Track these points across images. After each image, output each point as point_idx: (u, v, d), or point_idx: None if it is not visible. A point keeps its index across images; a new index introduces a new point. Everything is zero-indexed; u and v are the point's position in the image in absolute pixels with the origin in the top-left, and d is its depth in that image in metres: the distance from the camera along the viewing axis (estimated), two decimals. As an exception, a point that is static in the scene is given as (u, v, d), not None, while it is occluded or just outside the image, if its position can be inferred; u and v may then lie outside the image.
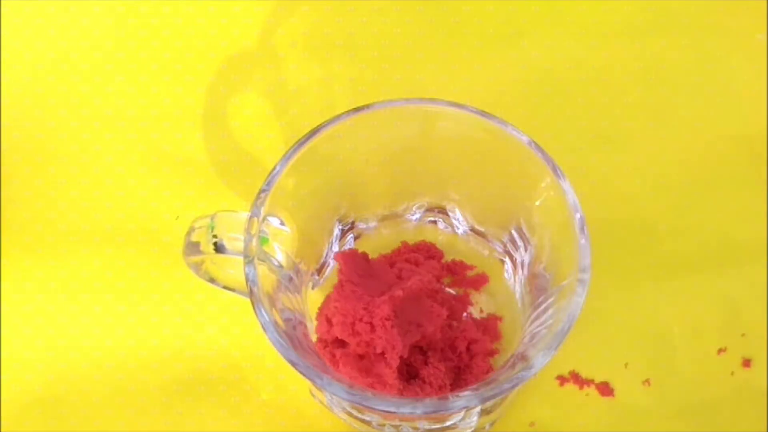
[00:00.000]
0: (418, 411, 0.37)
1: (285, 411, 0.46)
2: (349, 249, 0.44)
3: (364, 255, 0.44)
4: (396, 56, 0.50)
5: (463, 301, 0.44)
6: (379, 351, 0.40)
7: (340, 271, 0.42)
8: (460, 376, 0.42)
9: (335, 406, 0.44)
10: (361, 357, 0.41)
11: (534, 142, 0.40)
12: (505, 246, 0.44)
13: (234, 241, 0.40)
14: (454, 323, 0.43)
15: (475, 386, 0.39)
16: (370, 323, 0.40)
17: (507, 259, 0.45)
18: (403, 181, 0.44)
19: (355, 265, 0.43)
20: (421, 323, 0.41)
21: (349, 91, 0.50)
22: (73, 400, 0.46)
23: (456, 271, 0.45)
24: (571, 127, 0.49)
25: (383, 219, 0.46)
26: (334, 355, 0.41)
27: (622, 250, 0.47)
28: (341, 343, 0.41)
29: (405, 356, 0.41)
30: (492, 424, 0.45)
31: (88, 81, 0.50)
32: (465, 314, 0.44)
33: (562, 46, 0.51)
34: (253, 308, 0.38)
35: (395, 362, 0.40)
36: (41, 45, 0.51)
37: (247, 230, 0.39)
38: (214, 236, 0.40)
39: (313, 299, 0.44)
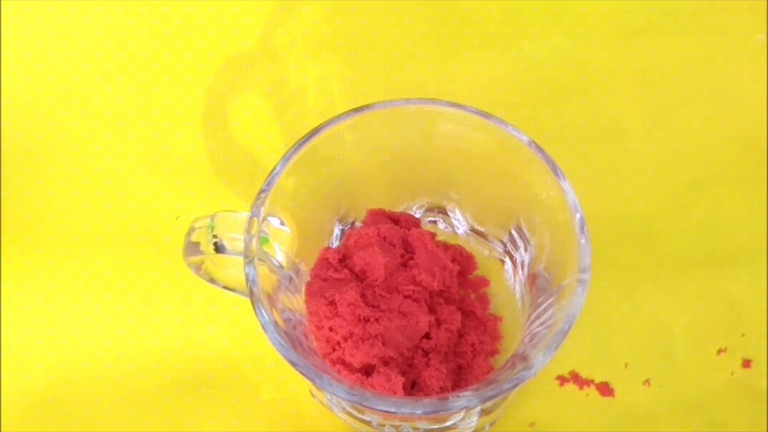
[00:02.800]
0: (418, 411, 0.37)
1: (285, 411, 0.46)
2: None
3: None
4: (396, 56, 0.50)
5: (469, 302, 0.44)
6: (351, 362, 0.40)
7: (314, 267, 0.42)
8: (460, 377, 0.42)
9: (335, 406, 0.44)
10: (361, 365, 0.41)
11: (534, 142, 0.40)
12: (505, 246, 0.44)
13: (234, 241, 0.40)
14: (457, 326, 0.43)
15: (475, 386, 0.39)
16: (330, 328, 0.40)
17: (507, 259, 0.45)
18: (403, 181, 0.44)
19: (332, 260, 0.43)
20: (413, 313, 0.41)
21: (349, 91, 0.50)
22: (73, 401, 0.46)
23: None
24: (571, 127, 0.49)
25: (383, 219, 0.46)
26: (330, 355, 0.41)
27: (622, 249, 0.47)
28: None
29: (367, 363, 0.40)
30: (492, 424, 0.45)
31: (88, 81, 0.50)
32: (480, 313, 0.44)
33: (562, 46, 0.51)
34: (253, 308, 0.38)
35: (396, 374, 0.40)
36: (41, 45, 0.51)
37: (247, 230, 0.39)
38: (214, 236, 0.40)
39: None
